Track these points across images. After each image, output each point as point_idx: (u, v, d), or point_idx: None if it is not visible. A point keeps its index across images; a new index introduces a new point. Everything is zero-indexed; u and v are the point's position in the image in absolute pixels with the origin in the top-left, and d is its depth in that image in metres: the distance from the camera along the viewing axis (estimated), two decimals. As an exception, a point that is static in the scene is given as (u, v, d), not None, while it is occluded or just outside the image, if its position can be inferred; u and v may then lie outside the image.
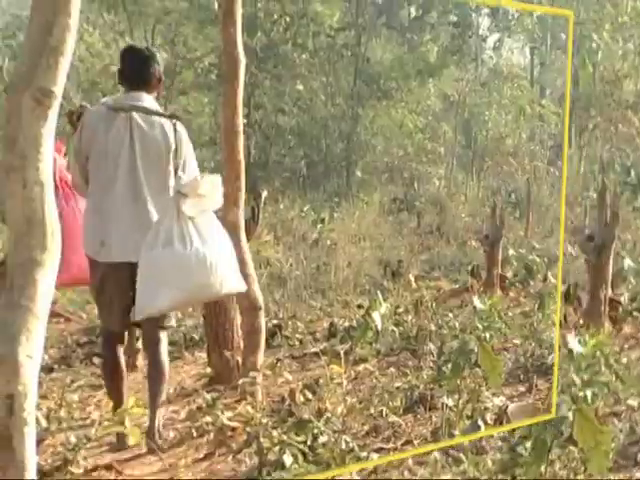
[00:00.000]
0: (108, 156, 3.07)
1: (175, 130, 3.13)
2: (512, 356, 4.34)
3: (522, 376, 4.00)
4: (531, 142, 16.20)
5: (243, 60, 3.84)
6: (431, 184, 14.71)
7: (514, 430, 2.72)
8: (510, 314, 5.24)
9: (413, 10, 19.04)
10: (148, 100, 3.16)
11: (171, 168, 3.11)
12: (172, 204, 3.00)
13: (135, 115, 3.08)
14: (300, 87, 12.74)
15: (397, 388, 3.67)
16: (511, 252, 7.94)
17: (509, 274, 7.09)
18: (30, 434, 2.26)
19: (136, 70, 3.18)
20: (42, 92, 2.28)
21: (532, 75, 22.09)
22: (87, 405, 3.78)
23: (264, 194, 4.75)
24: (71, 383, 3.99)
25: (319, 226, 9.38)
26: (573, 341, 2.46)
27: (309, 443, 2.84)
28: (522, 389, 3.80)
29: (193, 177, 3.09)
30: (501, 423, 3.06)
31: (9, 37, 10.93)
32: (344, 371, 3.49)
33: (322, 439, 2.89)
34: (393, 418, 3.30)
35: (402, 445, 3.05)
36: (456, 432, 3.02)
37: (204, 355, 4.38)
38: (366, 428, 3.22)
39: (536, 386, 3.71)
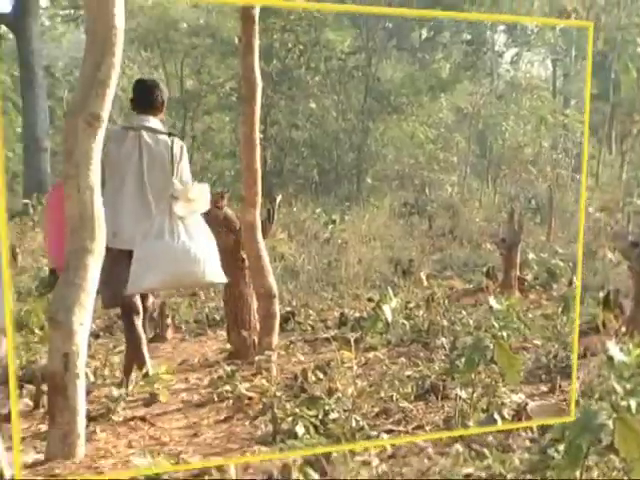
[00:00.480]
0: (120, 165, 3.41)
1: (174, 144, 3.49)
2: (532, 356, 3.95)
3: (544, 376, 3.62)
4: (554, 150, 15.08)
5: (260, 84, 3.97)
6: (443, 190, 14.01)
7: (544, 433, 2.53)
8: (530, 315, 4.80)
9: (424, 32, 18.05)
10: (154, 122, 3.53)
11: (174, 174, 3.45)
12: (166, 204, 3.34)
13: (144, 133, 3.45)
14: (313, 105, 12.97)
15: (408, 376, 3.45)
16: (531, 256, 7.27)
17: (529, 277, 6.51)
18: (81, 386, 2.60)
19: (143, 97, 3.55)
20: (92, 116, 2.63)
21: (554, 86, 20.54)
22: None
23: (279, 198, 4.73)
24: (113, 348, 4.12)
25: (330, 226, 9.22)
26: (614, 348, 2.21)
27: (320, 417, 2.81)
28: (544, 389, 3.46)
29: (185, 184, 3.43)
30: (520, 420, 2.81)
31: (68, 74, 11.84)
32: (354, 357, 3.36)
33: (333, 415, 2.84)
34: (404, 403, 3.12)
35: (413, 429, 2.88)
36: (470, 423, 2.80)
37: (224, 333, 4.45)
38: (376, 410, 3.07)
39: (560, 387, 3.39)
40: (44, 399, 2.93)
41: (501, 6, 15.19)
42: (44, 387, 2.88)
